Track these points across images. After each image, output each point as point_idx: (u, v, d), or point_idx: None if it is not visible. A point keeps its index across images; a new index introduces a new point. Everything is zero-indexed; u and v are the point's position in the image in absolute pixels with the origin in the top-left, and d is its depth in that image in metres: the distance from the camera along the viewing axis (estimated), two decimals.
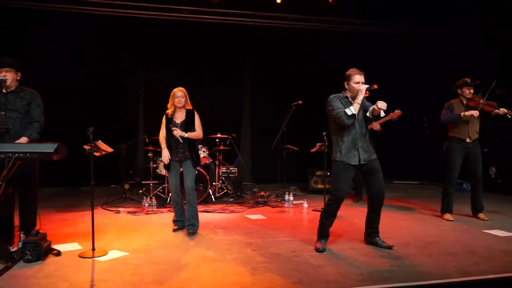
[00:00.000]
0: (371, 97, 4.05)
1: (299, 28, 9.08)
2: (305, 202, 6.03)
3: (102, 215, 5.66)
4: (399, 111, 6.04)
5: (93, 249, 3.80)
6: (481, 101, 5.20)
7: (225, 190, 7.12)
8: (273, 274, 3.31)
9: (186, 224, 4.71)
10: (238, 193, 7.25)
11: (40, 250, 3.56)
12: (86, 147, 3.78)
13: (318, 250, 3.95)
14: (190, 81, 8.48)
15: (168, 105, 4.77)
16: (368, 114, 4.02)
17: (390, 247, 4.04)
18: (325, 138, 6.09)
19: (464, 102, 5.34)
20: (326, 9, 8.88)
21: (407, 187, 8.77)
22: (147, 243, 4.22)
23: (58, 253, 3.75)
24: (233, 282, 3.12)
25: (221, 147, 7.22)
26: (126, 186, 8.06)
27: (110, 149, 4.06)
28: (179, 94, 4.70)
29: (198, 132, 4.75)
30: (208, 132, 7.16)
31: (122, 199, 6.86)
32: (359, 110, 3.94)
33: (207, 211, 5.95)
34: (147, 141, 7.04)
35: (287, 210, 6.11)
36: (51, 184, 8.14)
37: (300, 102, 6.86)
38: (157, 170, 6.90)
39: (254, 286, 3.05)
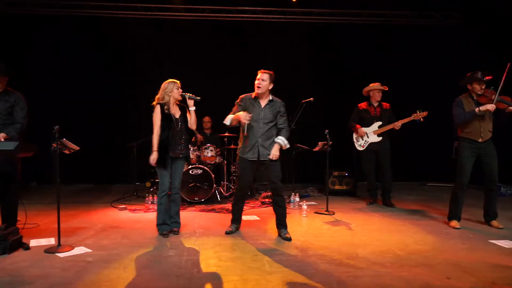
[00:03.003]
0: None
1: (326, 22, 8.72)
2: (304, 204, 5.75)
3: (104, 212, 5.82)
4: (423, 112, 5.66)
5: (59, 245, 3.90)
6: (493, 97, 4.60)
7: (233, 190, 7.02)
8: (214, 276, 3.17)
9: (171, 221, 4.62)
10: (248, 193, 7.10)
11: (5, 244, 3.72)
12: (54, 145, 3.86)
13: (226, 232, 4.51)
14: (211, 81, 8.56)
15: (158, 97, 4.48)
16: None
17: (288, 239, 4.24)
18: (327, 136, 5.79)
19: (475, 98, 4.76)
20: (356, 2, 8.47)
21: (438, 190, 8.05)
22: (119, 241, 4.25)
23: (27, 248, 3.90)
24: (164, 286, 3.02)
25: (232, 146, 7.14)
26: (148, 184, 8.26)
27: (76, 147, 4.13)
28: (179, 86, 4.49)
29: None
30: (230, 132, 7.09)
31: (134, 196, 7.06)
32: (269, 113, 4.31)
33: (204, 210, 5.91)
34: None
35: (288, 212, 5.84)
36: (80, 181, 8.61)
37: (311, 99, 6.52)
38: None
39: None
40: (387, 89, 6.26)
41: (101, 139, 8.54)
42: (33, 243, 4.11)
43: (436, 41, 8.86)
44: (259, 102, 4.35)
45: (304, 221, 5.27)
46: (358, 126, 6.34)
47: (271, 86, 4.34)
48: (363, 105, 6.44)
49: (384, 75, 8.20)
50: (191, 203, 6.36)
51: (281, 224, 4.43)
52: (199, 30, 8.67)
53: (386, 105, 6.30)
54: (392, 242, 4.18)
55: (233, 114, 4.31)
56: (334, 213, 5.66)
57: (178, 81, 4.57)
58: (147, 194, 6.34)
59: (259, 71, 4.34)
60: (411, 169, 9.10)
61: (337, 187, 7.42)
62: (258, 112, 4.31)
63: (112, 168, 8.72)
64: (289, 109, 6.75)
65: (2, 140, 3.91)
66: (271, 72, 4.33)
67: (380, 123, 6.19)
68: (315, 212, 5.75)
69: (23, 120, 4.25)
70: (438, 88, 8.71)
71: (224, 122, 4.37)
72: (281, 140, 4.31)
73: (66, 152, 4.11)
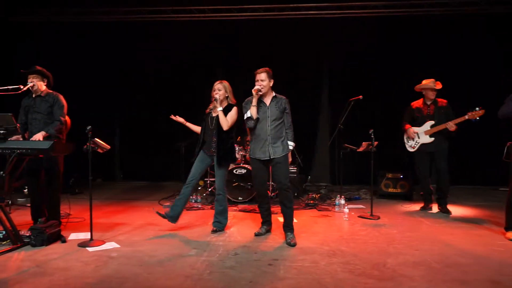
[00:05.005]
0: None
1: (383, 16, 8.23)
2: (346, 207, 5.46)
3: (149, 209, 5.94)
4: (480, 110, 5.15)
5: (91, 240, 4.09)
6: None
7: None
8: (223, 278, 3.11)
9: (213, 220, 4.72)
10: (295, 194, 6.94)
11: (44, 236, 3.98)
12: (87, 144, 4.06)
13: (255, 234, 4.45)
14: None
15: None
16: None
17: (292, 245, 4.03)
18: (372, 136, 5.45)
19: None
20: None
21: None
22: (148, 238, 4.35)
23: (64, 241, 4.15)
24: (169, 285, 3.02)
25: None
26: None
27: (108, 146, 4.30)
28: (215, 87, 4.58)
29: (227, 120, 4.48)
30: None
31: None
32: (275, 110, 4.24)
33: (244, 210, 5.86)
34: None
35: (330, 215, 5.60)
36: (138, 178, 9.07)
37: (360, 97, 6.18)
38: None
39: None
40: (441, 87, 5.71)
41: (157, 139, 8.90)
42: (72, 236, 4.37)
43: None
44: (263, 101, 4.30)
45: (342, 225, 4.99)
46: (407, 126, 5.87)
47: (271, 83, 4.30)
48: (416, 103, 5.94)
49: (443, 70, 7.59)
50: (235, 203, 6.35)
51: (287, 226, 4.29)
52: (252, 29, 8.64)
53: (442, 101, 5.75)
54: (431, 253, 3.79)
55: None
56: (379, 218, 5.31)
57: (220, 82, 4.61)
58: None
59: (256, 72, 4.28)
60: (482, 172, 8.25)
61: (391, 190, 6.96)
62: (265, 111, 4.26)
63: (167, 167, 9.00)
64: (359, 109, 6.48)
65: (41, 138, 4.18)
66: (268, 69, 4.29)
67: (432, 122, 5.67)
68: (359, 216, 5.44)
69: (60, 118, 4.49)
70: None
71: (248, 117, 4.25)
72: (292, 145, 4.37)
73: (99, 151, 4.29)
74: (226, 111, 4.56)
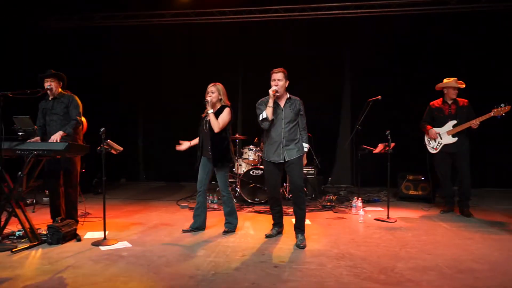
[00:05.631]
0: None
1: (403, 14, 8.05)
2: (361, 209, 5.37)
3: (166, 209, 6.11)
4: (506, 106, 5.02)
5: (104, 239, 4.20)
6: None
7: None
8: (226, 279, 3.12)
9: (225, 222, 4.77)
10: (313, 196, 6.88)
11: (59, 235, 4.12)
12: (102, 145, 4.17)
13: (266, 236, 4.45)
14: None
15: None
16: None
17: (301, 247, 4.01)
18: (389, 137, 5.34)
19: None
20: None
21: None
22: (161, 238, 4.42)
23: (79, 239, 4.28)
24: (173, 285, 3.06)
25: None
26: None
27: (120, 148, 4.40)
28: (209, 89, 4.62)
29: (218, 122, 4.46)
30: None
31: None
32: (289, 111, 4.18)
33: (259, 212, 5.87)
34: None
35: (345, 217, 5.52)
36: (160, 178, 9.24)
37: (379, 97, 6.05)
38: (233, 169, 7.08)
39: None
40: (464, 86, 5.53)
41: (178, 139, 8.99)
42: (88, 235, 4.50)
43: None
44: (277, 103, 4.22)
45: (357, 228, 4.91)
46: (429, 127, 5.69)
47: (287, 84, 4.25)
48: (435, 103, 5.77)
49: (463, 69, 7.37)
50: (251, 204, 6.37)
51: (299, 228, 4.24)
52: (274, 30, 8.62)
53: (463, 101, 5.57)
54: (444, 258, 3.67)
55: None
56: (395, 221, 5.19)
57: (213, 85, 4.62)
58: (208, 194, 6.49)
59: (272, 72, 4.23)
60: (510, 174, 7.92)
61: (411, 192, 6.79)
62: (279, 113, 4.20)
63: (188, 167, 9.07)
64: (381, 107, 6.36)
65: (59, 138, 4.31)
66: (284, 70, 4.23)
67: (454, 122, 5.49)
68: (375, 219, 5.33)
69: (76, 117, 4.63)
70: None
71: (263, 117, 4.14)
72: (306, 147, 4.30)
73: (113, 152, 4.40)
74: (219, 113, 4.57)
